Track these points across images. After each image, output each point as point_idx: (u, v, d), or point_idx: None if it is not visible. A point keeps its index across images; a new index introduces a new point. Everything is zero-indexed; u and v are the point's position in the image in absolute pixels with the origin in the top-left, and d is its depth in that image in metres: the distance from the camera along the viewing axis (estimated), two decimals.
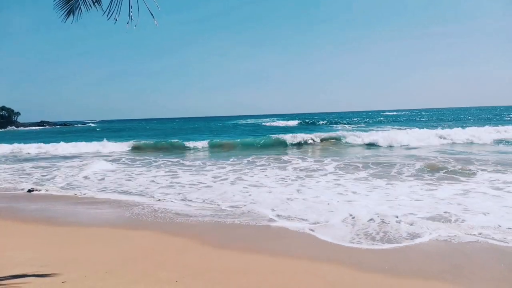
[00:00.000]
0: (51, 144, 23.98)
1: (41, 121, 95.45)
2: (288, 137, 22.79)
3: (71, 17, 4.04)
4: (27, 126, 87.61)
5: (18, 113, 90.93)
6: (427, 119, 58.88)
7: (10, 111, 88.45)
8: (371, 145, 20.48)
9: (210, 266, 4.55)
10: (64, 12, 4.05)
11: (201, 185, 10.12)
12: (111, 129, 62.13)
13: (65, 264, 4.60)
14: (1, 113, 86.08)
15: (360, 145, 20.98)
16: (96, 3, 4.01)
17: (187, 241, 5.54)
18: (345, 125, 47.52)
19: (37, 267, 4.42)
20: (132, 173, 12.93)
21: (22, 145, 24.07)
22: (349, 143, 21.99)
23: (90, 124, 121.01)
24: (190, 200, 8.34)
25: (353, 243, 5.28)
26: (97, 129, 72.06)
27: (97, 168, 13.77)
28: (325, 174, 11.17)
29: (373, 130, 30.08)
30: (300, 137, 22.86)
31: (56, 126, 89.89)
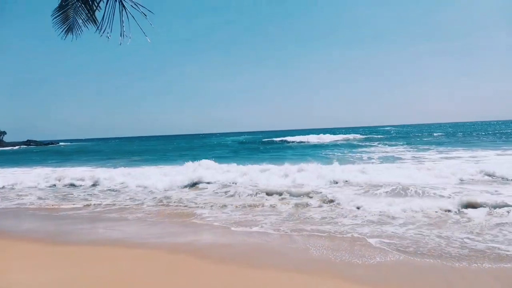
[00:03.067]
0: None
1: (27, 140, 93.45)
2: None
3: (70, 35, 4.07)
4: (14, 146, 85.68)
5: (4, 133, 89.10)
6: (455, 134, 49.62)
7: None
8: None
9: (209, 283, 4.50)
10: (63, 30, 4.09)
11: None
12: (118, 151, 45.58)
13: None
14: None
15: None
16: (93, 22, 4.05)
17: (184, 257, 5.47)
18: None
19: None
20: None
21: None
22: None
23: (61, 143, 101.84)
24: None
25: (346, 258, 5.32)
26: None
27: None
28: None
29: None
30: None
31: (43, 145, 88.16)
